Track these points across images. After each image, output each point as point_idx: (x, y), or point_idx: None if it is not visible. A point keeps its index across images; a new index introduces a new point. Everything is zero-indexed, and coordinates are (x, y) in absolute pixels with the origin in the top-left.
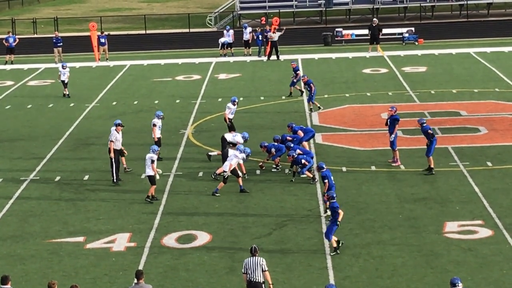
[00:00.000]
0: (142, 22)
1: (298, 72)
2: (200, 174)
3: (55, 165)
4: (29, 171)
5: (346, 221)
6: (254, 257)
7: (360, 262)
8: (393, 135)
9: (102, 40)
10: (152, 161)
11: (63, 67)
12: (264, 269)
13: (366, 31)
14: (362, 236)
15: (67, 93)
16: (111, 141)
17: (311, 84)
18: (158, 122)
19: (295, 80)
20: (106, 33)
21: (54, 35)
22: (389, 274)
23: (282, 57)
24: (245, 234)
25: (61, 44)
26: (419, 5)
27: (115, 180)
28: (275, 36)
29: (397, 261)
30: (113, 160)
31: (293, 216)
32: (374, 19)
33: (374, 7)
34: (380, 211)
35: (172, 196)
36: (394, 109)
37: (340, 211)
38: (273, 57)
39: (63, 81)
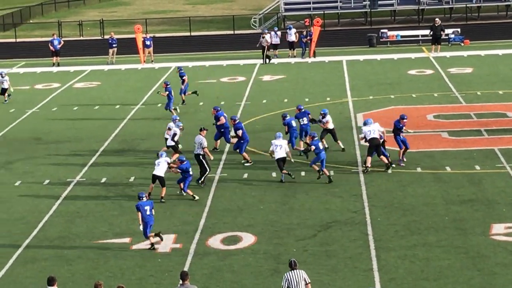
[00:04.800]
0: (187, 24)
1: (185, 77)
2: (245, 175)
3: (101, 166)
4: (76, 172)
5: (391, 222)
6: (295, 271)
7: (405, 264)
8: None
9: (148, 43)
10: (168, 163)
11: (1, 75)
12: (307, 282)
13: (411, 32)
14: (407, 238)
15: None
16: (204, 147)
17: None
18: (177, 130)
19: (182, 87)
20: (151, 35)
21: (109, 36)
22: (435, 276)
23: (327, 59)
24: (290, 236)
25: (116, 45)
26: (465, 5)
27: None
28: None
29: (443, 263)
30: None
31: (338, 217)
32: (436, 19)
33: (420, 8)
34: (426, 213)
35: (217, 198)
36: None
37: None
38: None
39: (3, 88)
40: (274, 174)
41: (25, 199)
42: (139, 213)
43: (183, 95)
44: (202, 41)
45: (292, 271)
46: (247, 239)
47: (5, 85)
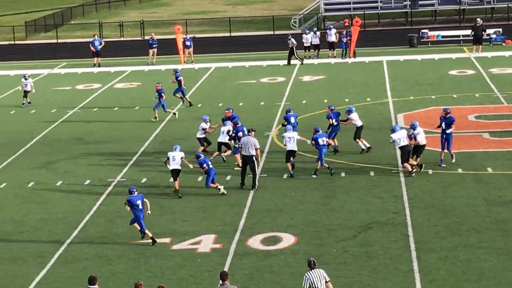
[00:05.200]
0: (227, 24)
1: (180, 78)
2: (285, 176)
3: (141, 167)
4: (116, 173)
5: (432, 223)
6: (314, 270)
7: (447, 265)
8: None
9: (188, 43)
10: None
11: (25, 77)
12: (327, 280)
13: (452, 32)
14: (448, 239)
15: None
16: (258, 148)
17: (162, 94)
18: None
19: (182, 88)
20: (191, 35)
21: (150, 37)
22: (477, 278)
23: (367, 59)
24: (330, 237)
25: (156, 45)
26: (506, 5)
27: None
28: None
29: (485, 265)
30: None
31: (378, 218)
32: (478, 19)
33: (461, 8)
34: (467, 214)
35: (256, 198)
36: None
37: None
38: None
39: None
40: (314, 176)
41: (66, 199)
42: (128, 208)
43: (187, 97)
44: (242, 42)
45: (312, 270)
46: (287, 239)
47: (28, 88)
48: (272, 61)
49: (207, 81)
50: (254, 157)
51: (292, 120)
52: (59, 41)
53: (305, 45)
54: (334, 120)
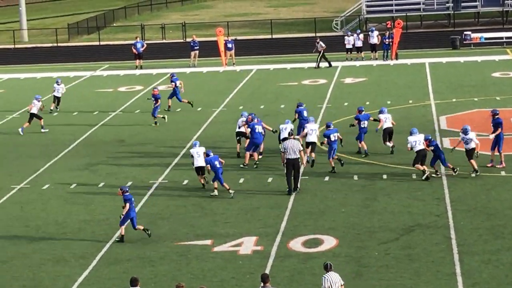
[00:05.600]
0: (268, 26)
1: (179, 81)
2: (326, 178)
3: (183, 169)
4: (158, 174)
5: (475, 226)
6: (331, 272)
7: (489, 268)
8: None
9: (229, 45)
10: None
11: (57, 83)
12: (342, 283)
13: (495, 34)
14: (491, 242)
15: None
16: (301, 150)
17: (158, 99)
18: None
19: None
20: (233, 38)
21: (191, 39)
22: None
23: (409, 61)
24: (372, 239)
25: (198, 47)
26: None
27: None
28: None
29: None
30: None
31: (420, 221)
32: None
33: (504, 9)
34: (510, 217)
35: (298, 201)
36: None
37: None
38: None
39: (55, 96)
40: (356, 178)
41: (109, 201)
42: (127, 205)
43: (184, 100)
44: (283, 44)
45: (329, 273)
46: (329, 242)
47: (58, 94)
48: (313, 63)
49: (248, 83)
50: (298, 160)
51: (305, 113)
52: (102, 43)
53: (347, 47)
54: (366, 122)
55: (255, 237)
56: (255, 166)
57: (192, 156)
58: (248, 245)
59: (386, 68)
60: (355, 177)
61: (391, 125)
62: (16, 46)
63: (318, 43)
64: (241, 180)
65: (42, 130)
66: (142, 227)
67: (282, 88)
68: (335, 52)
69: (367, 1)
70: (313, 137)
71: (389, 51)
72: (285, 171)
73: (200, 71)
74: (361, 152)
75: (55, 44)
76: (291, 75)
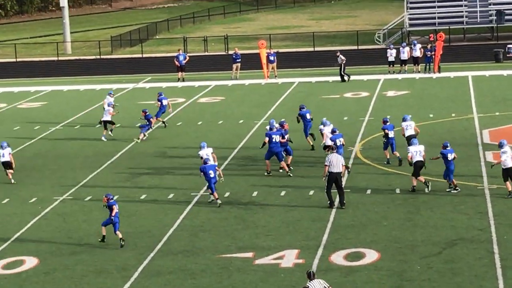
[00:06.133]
0: (310, 39)
1: (167, 101)
2: (368, 192)
3: (225, 181)
4: (200, 187)
5: None
6: (314, 280)
7: None
8: None
9: (271, 58)
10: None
11: (111, 94)
12: (327, 286)
13: None
14: None
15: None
16: (343, 164)
17: (150, 119)
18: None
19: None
20: (275, 50)
21: (233, 52)
22: None
23: (452, 74)
24: (414, 253)
25: (240, 60)
26: None
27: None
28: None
29: None
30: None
31: (463, 235)
32: None
33: None
34: None
35: (340, 213)
36: None
37: None
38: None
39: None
40: (398, 191)
41: (150, 213)
42: (114, 207)
43: (160, 119)
44: (325, 56)
45: (312, 281)
46: (371, 255)
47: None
48: (355, 76)
49: (290, 96)
50: (341, 174)
51: (308, 116)
52: (144, 55)
53: (389, 59)
54: (392, 133)
55: (296, 250)
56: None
57: (202, 158)
58: (289, 258)
59: (428, 81)
60: (397, 190)
61: (413, 132)
62: (60, 58)
63: (338, 56)
64: (283, 193)
65: (103, 138)
66: (120, 236)
67: (324, 101)
68: (377, 65)
69: (410, 14)
70: (328, 140)
71: (432, 64)
72: (326, 184)
73: (242, 83)
74: (389, 162)
75: (98, 57)
76: (333, 87)
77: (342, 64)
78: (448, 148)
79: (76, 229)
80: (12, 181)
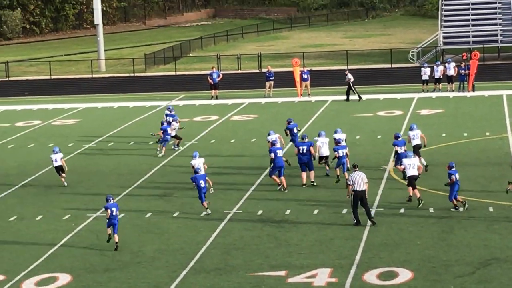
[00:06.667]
0: (344, 57)
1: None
2: (402, 210)
3: (258, 199)
4: (232, 204)
5: None
6: None
7: None
8: None
9: (305, 76)
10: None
11: (170, 109)
12: None
13: None
14: None
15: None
16: (366, 182)
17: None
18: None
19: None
20: (308, 68)
21: (266, 69)
22: None
23: (486, 93)
24: (448, 273)
25: (273, 78)
26: None
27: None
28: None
29: None
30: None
31: (497, 255)
32: None
33: None
34: None
35: (373, 232)
36: None
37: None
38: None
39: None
40: (431, 210)
41: (183, 230)
42: (108, 211)
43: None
44: (359, 75)
45: None
46: (404, 274)
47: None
48: (389, 94)
49: (323, 114)
50: (365, 192)
51: (295, 130)
52: (178, 73)
53: (423, 78)
54: (403, 148)
55: (329, 269)
56: (280, 189)
57: (193, 167)
58: (322, 276)
59: (462, 100)
60: (431, 209)
61: (420, 142)
62: (94, 75)
63: (346, 75)
64: (316, 211)
65: (158, 153)
66: (116, 239)
67: (357, 119)
68: (411, 84)
69: (444, 33)
70: (324, 150)
71: (466, 82)
72: (351, 203)
73: (275, 101)
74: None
75: (132, 74)
76: (367, 106)
77: (350, 83)
78: (454, 169)
79: (109, 246)
80: (65, 184)
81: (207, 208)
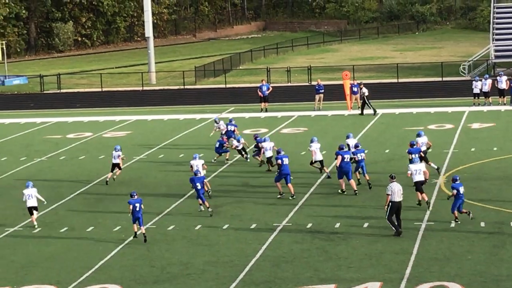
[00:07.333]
0: (394, 70)
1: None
2: (452, 224)
3: (307, 211)
4: (282, 217)
5: None
6: None
7: None
8: None
9: (355, 89)
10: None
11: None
12: None
13: None
14: None
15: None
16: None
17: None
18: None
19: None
20: (358, 81)
21: (316, 83)
22: None
23: None
24: None
25: (323, 91)
26: None
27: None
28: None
29: None
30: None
31: None
32: None
33: None
34: None
35: (423, 246)
36: None
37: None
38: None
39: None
40: (483, 224)
41: (233, 243)
42: (130, 207)
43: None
44: (409, 88)
45: None
46: None
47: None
48: (440, 107)
49: (373, 127)
50: (401, 203)
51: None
52: (228, 86)
53: (474, 91)
54: (416, 155)
55: (379, 283)
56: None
57: (192, 167)
58: None
59: None
60: (482, 224)
61: (425, 148)
62: (144, 88)
63: (361, 88)
64: (365, 225)
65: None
66: (143, 231)
67: (407, 132)
68: (462, 97)
69: (496, 46)
70: (319, 156)
71: None
72: (388, 213)
73: (325, 114)
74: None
75: (182, 87)
76: (417, 119)
77: (365, 97)
78: (458, 182)
79: (158, 257)
80: (114, 177)
81: (208, 207)
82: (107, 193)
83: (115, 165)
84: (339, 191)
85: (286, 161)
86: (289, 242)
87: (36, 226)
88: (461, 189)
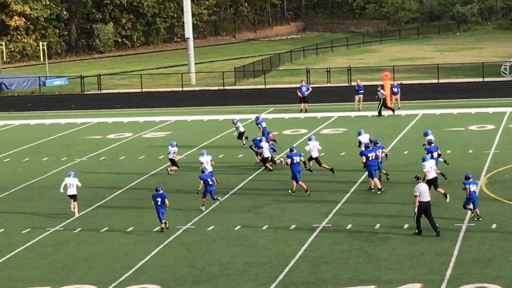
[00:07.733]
0: (434, 71)
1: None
2: (493, 226)
3: (347, 212)
4: (322, 218)
5: None
6: None
7: None
8: None
9: (395, 90)
10: None
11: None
12: None
13: None
14: None
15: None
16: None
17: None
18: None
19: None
20: (398, 82)
21: (356, 83)
22: None
23: None
24: None
25: (363, 91)
26: None
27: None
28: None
29: None
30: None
31: None
32: None
33: None
34: None
35: (464, 248)
36: None
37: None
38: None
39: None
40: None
41: (272, 243)
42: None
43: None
44: (449, 88)
45: None
46: None
47: (241, 129)
48: (481, 108)
49: (413, 128)
50: (430, 203)
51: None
52: (267, 86)
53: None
54: (435, 154)
55: (419, 284)
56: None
57: (201, 163)
58: None
59: None
60: None
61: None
62: (184, 89)
63: (379, 91)
64: (405, 226)
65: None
66: (163, 225)
67: (448, 133)
68: (503, 98)
69: None
70: (315, 153)
71: None
72: (416, 214)
73: (365, 115)
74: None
75: (222, 87)
76: (458, 120)
77: (382, 99)
78: (470, 180)
79: (198, 258)
80: (171, 172)
81: (217, 198)
82: (147, 193)
83: (171, 161)
84: (372, 189)
85: (297, 159)
86: (328, 243)
87: (75, 213)
88: (472, 187)
